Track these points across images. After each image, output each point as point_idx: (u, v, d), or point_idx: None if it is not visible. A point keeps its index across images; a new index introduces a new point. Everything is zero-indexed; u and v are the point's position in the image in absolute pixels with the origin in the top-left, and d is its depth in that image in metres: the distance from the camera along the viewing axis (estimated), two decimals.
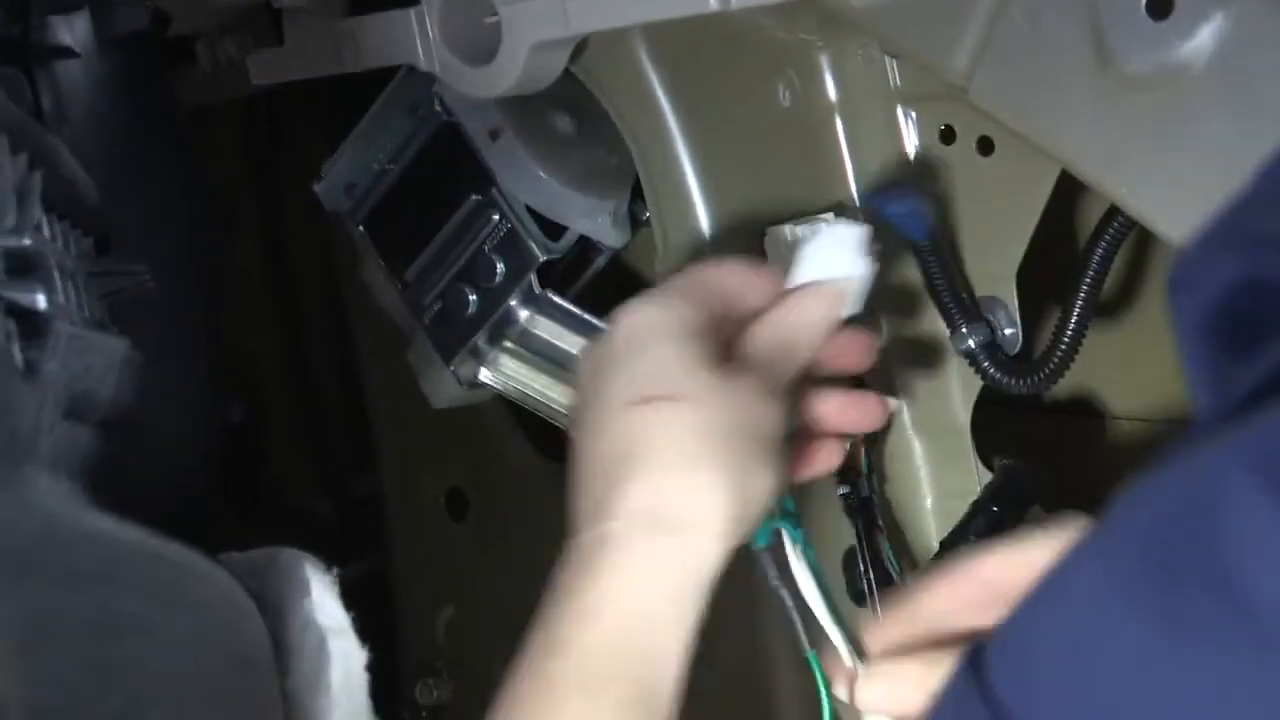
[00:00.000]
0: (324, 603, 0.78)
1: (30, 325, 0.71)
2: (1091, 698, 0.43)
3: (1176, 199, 0.75)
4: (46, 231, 0.80)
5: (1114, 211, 0.93)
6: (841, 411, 0.84)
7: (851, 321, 0.85)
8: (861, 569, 0.97)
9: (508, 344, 1.05)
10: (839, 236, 0.90)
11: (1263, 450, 0.38)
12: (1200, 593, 0.39)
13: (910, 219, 0.93)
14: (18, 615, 0.57)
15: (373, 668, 0.79)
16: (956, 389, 0.98)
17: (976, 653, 0.48)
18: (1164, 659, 0.40)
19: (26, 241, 0.73)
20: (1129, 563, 0.42)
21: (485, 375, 1.06)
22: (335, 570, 0.83)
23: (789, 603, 0.83)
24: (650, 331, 0.79)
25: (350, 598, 0.83)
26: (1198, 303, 0.44)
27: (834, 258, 0.87)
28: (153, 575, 0.69)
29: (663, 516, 0.76)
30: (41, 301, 0.72)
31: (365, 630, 0.81)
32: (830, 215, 0.96)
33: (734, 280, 0.82)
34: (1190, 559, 0.39)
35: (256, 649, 0.75)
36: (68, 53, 1.03)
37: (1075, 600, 0.45)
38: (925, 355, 0.98)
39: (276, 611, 0.77)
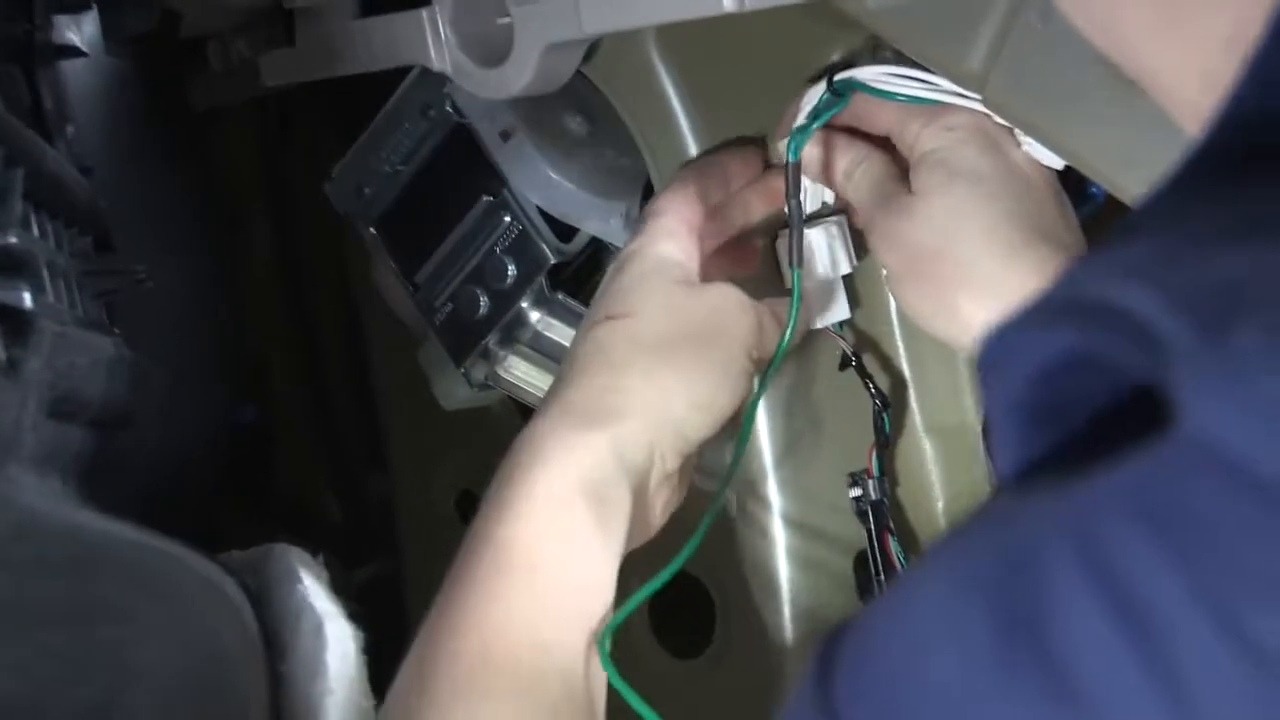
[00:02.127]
0: (315, 589, 0.78)
1: (14, 323, 0.70)
2: (908, 714, 0.44)
3: None
4: (35, 230, 0.79)
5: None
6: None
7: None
8: (873, 571, 0.97)
9: (519, 346, 1.05)
10: (827, 233, 0.91)
11: (1081, 520, 0.39)
12: (1023, 645, 0.39)
13: (1089, 204, 0.92)
14: None
15: (381, 669, 0.79)
16: (968, 391, 0.97)
17: (828, 652, 0.48)
18: (985, 699, 0.41)
19: (11, 240, 0.73)
20: (965, 598, 0.42)
21: (496, 377, 1.06)
22: (321, 558, 0.83)
23: (792, 217, 0.92)
24: (632, 259, 0.91)
25: (361, 599, 0.83)
26: (1010, 381, 0.43)
27: (821, 255, 0.90)
28: (129, 564, 0.70)
29: (582, 410, 0.84)
30: (26, 300, 0.72)
31: (376, 635, 0.81)
32: (842, 217, 0.96)
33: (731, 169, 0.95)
34: (1016, 610, 0.40)
35: (239, 640, 0.75)
36: (74, 52, 1.03)
37: (914, 621, 0.45)
38: (937, 356, 0.97)
39: (268, 602, 0.77)
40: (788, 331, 0.91)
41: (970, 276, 0.86)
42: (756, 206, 0.96)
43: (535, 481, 0.82)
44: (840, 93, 0.91)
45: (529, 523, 0.81)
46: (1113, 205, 0.90)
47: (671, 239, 0.91)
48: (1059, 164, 0.88)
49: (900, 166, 0.92)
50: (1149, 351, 0.39)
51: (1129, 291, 0.39)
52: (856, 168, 0.92)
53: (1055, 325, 0.42)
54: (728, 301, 0.90)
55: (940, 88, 0.88)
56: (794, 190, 0.91)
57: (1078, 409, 0.42)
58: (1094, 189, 0.92)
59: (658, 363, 0.86)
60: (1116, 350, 0.40)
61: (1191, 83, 0.49)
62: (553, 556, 0.80)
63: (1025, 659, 0.39)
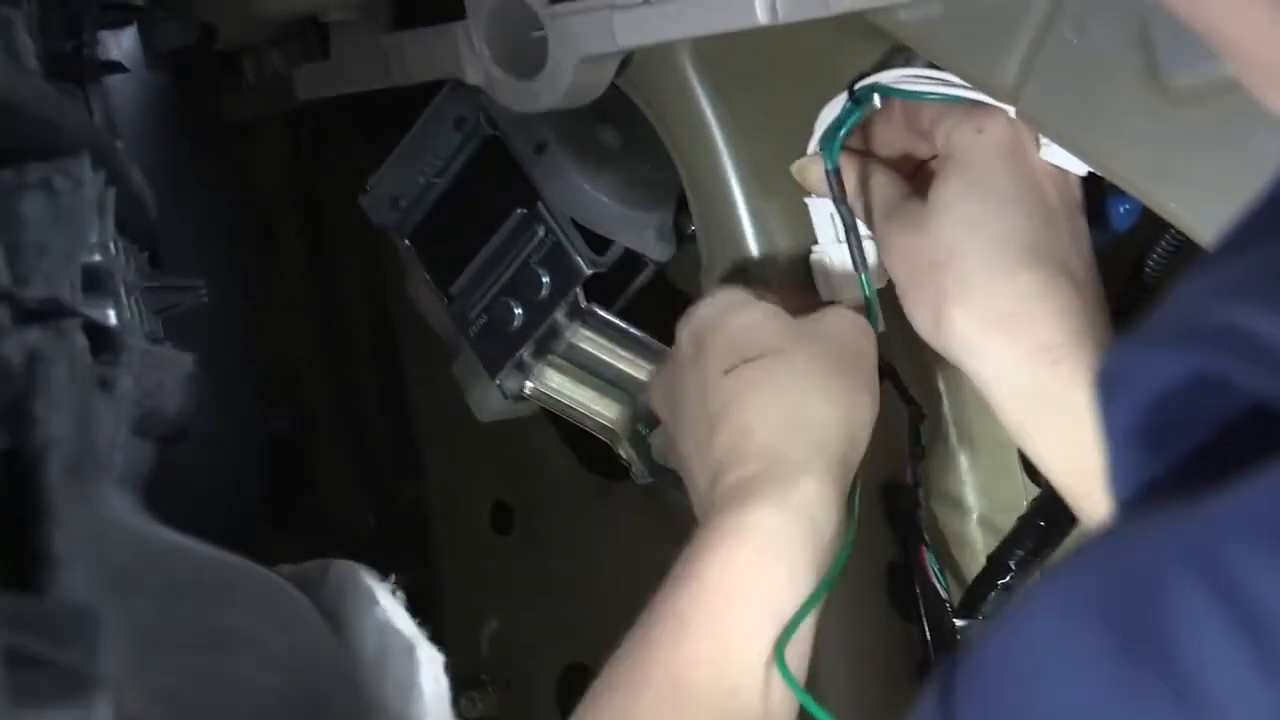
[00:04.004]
0: (396, 610, 0.78)
1: (102, 341, 0.71)
2: None
3: (1227, 214, 0.74)
4: (113, 248, 0.80)
5: (1165, 227, 0.92)
6: None
7: None
8: (907, 584, 0.97)
9: (553, 357, 1.05)
10: (868, 250, 0.92)
11: (1203, 539, 0.39)
12: (1148, 665, 0.39)
13: (1130, 215, 0.92)
14: (129, 632, 0.57)
15: None
16: None
17: (947, 683, 0.48)
18: (1108, 712, 0.41)
19: (98, 258, 0.73)
20: (1085, 621, 0.42)
21: (530, 389, 1.06)
22: (393, 578, 0.83)
23: (845, 223, 0.92)
24: (734, 299, 0.91)
25: None
26: (1130, 405, 0.43)
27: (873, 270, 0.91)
28: (251, 590, 0.69)
29: (772, 472, 0.83)
30: (112, 317, 0.72)
31: None
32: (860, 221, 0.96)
33: None
34: (1140, 631, 0.40)
35: (342, 662, 0.75)
36: (117, 67, 1.03)
37: (1032, 646, 0.45)
38: None
39: (342, 623, 0.77)
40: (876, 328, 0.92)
41: (966, 292, 0.86)
42: None
43: (720, 546, 0.82)
44: (860, 100, 0.92)
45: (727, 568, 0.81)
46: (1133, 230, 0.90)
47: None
48: (1081, 169, 0.88)
49: (905, 185, 0.93)
50: (1275, 372, 0.38)
51: (1253, 313, 0.39)
52: (865, 184, 0.92)
53: (1178, 346, 0.41)
54: (844, 320, 0.90)
55: (960, 84, 0.88)
56: (841, 196, 0.92)
57: (1196, 431, 0.42)
58: (1114, 218, 0.92)
59: (811, 399, 0.86)
60: (1241, 372, 0.39)
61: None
62: (746, 603, 0.81)
63: (1150, 679, 0.39)
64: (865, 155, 0.95)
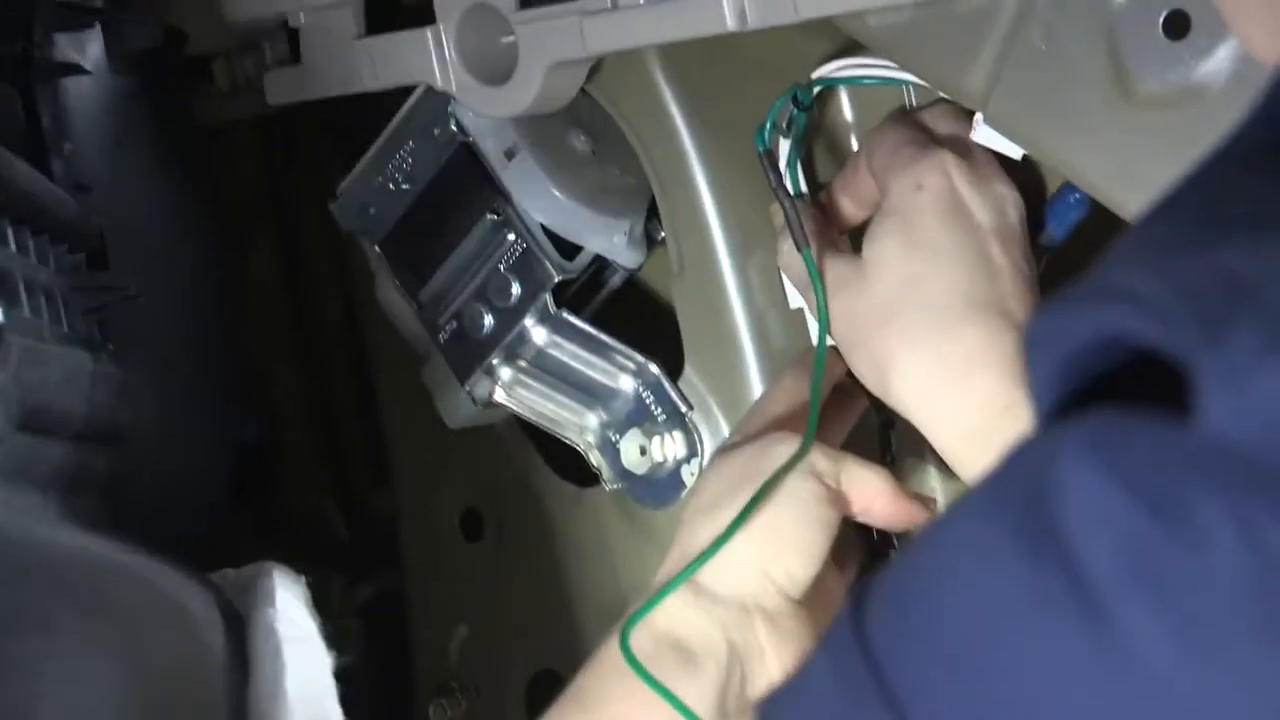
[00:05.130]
0: (287, 611, 0.78)
1: None
2: (943, 641, 0.46)
3: None
4: (13, 246, 0.79)
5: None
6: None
7: None
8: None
9: (523, 364, 1.05)
10: None
11: (1090, 436, 0.42)
12: (1041, 548, 0.42)
13: (1077, 208, 0.92)
14: None
15: (384, 686, 0.79)
16: None
17: (860, 592, 0.51)
18: (1012, 607, 0.43)
19: None
20: (988, 520, 0.45)
21: (500, 395, 1.06)
22: (305, 580, 0.83)
23: (785, 206, 0.91)
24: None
25: (364, 616, 0.83)
26: (1049, 360, 0.45)
27: None
28: (70, 579, 0.69)
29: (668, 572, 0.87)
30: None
31: (379, 651, 0.81)
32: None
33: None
34: (1032, 518, 0.43)
35: (198, 659, 0.74)
36: (75, 69, 1.03)
37: (939, 551, 0.48)
38: None
39: (246, 622, 0.77)
40: (821, 313, 0.91)
41: (911, 351, 0.86)
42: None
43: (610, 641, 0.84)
44: (803, 102, 0.93)
45: (608, 674, 0.83)
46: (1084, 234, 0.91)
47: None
48: (1017, 153, 0.88)
49: (842, 241, 0.93)
50: (1165, 331, 0.41)
51: (1138, 279, 0.42)
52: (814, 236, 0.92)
53: (1086, 307, 0.44)
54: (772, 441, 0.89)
55: (894, 67, 0.89)
56: (775, 179, 0.92)
57: (1105, 378, 0.45)
58: (1050, 233, 0.92)
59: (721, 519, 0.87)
60: (1138, 327, 0.42)
61: None
62: (628, 709, 0.83)
63: (1043, 562, 0.42)
64: (826, 204, 0.95)
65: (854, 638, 0.49)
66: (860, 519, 0.90)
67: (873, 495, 0.88)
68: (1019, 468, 0.46)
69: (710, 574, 0.85)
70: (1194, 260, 0.42)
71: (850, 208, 0.94)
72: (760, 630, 0.85)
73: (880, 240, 0.88)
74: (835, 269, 0.90)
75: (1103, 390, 0.44)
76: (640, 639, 0.83)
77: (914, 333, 0.86)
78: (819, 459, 0.87)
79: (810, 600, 0.87)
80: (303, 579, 0.82)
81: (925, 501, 0.90)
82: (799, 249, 0.90)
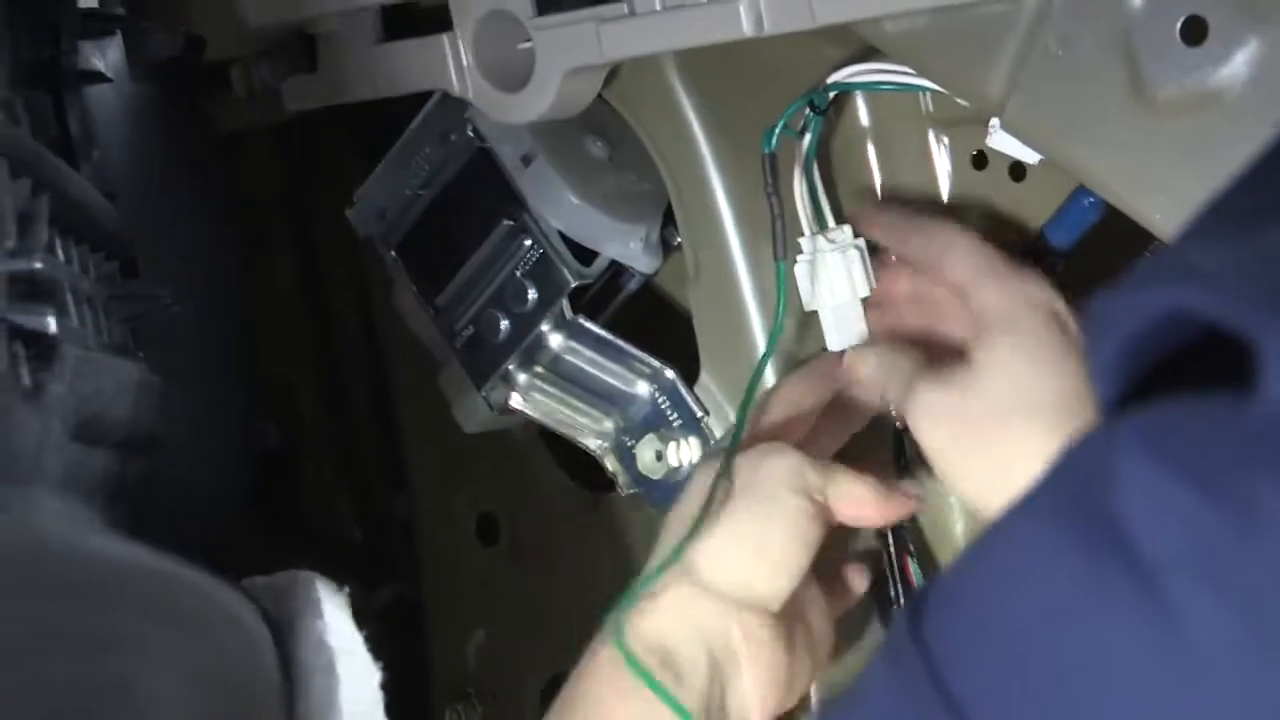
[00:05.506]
0: (335, 623, 0.78)
1: (39, 348, 0.70)
2: (1003, 640, 0.46)
3: None
4: (61, 255, 0.79)
5: (1149, 240, 0.92)
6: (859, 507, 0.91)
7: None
8: (892, 593, 0.97)
9: (539, 369, 1.05)
10: (846, 256, 0.92)
11: (1147, 424, 0.42)
12: (1100, 541, 0.42)
13: (1090, 212, 0.92)
14: (7, 630, 0.57)
15: (400, 691, 0.79)
16: None
17: (917, 601, 0.51)
18: (1072, 602, 0.44)
19: (36, 265, 0.73)
20: (1045, 517, 0.46)
21: (517, 400, 1.06)
22: (347, 590, 0.82)
23: (774, 210, 0.94)
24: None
25: (381, 622, 0.83)
26: (1110, 339, 0.45)
27: (840, 278, 0.91)
28: (148, 593, 0.69)
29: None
30: (51, 325, 0.72)
31: (396, 656, 0.81)
32: (861, 240, 0.95)
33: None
34: (1091, 511, 0.43)
35: (256, 673, 0.74)
36: (99, 77, 1.03)
37: (997, 550, 0.48)
38: None
39: (290, 633, 0.77)
40: (777, 320, 0.93)
41: (1027, 449, 0.85)
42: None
43: (604, 642, 0.87)
44: (816, 102, 0.93)
45: (592, 681, 0.86)
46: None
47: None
48: (1034, 158, 0.88)
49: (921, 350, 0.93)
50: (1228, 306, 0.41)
51: (1201, 257, 0.43)
52: (884, 356, 0.93)
53: (1149, 285, 0.44)
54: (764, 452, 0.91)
55: (911, 72, 0.89)
56: (771, 185, 0.93)
57: (1163, 358, 0.45)
58: (1063, 238, 0.93)
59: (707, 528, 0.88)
60: (1201, 303, 0.42)
61: None
62: (623, 710, 0.85)
63: (1102, 554, 0.42)
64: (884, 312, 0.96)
65: (912, 643, 0.49)
66: (851, 525, 0.92)
67: (859, 505, 0.90)
68: (1077, 462, 0.45)
69: (697, 586, 0.87)
70: (1257, 239, 0.43)
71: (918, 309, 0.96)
72: (738, 643, 0.87)
73: (989, 345, 0.88)
74: (937, 371, 0.90)
75: (1162, 382, 0.44)
76: (629, 648, 0.85)
77: (1034, 436, 0.85)
78: (809, 473, 0.89)
79: (783, 611, 0.89)
80: (345, 590, 0.82)
81: (911, 495, 0.92)
82: (775, 258, 0.93)
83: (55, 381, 0.70)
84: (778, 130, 0.92)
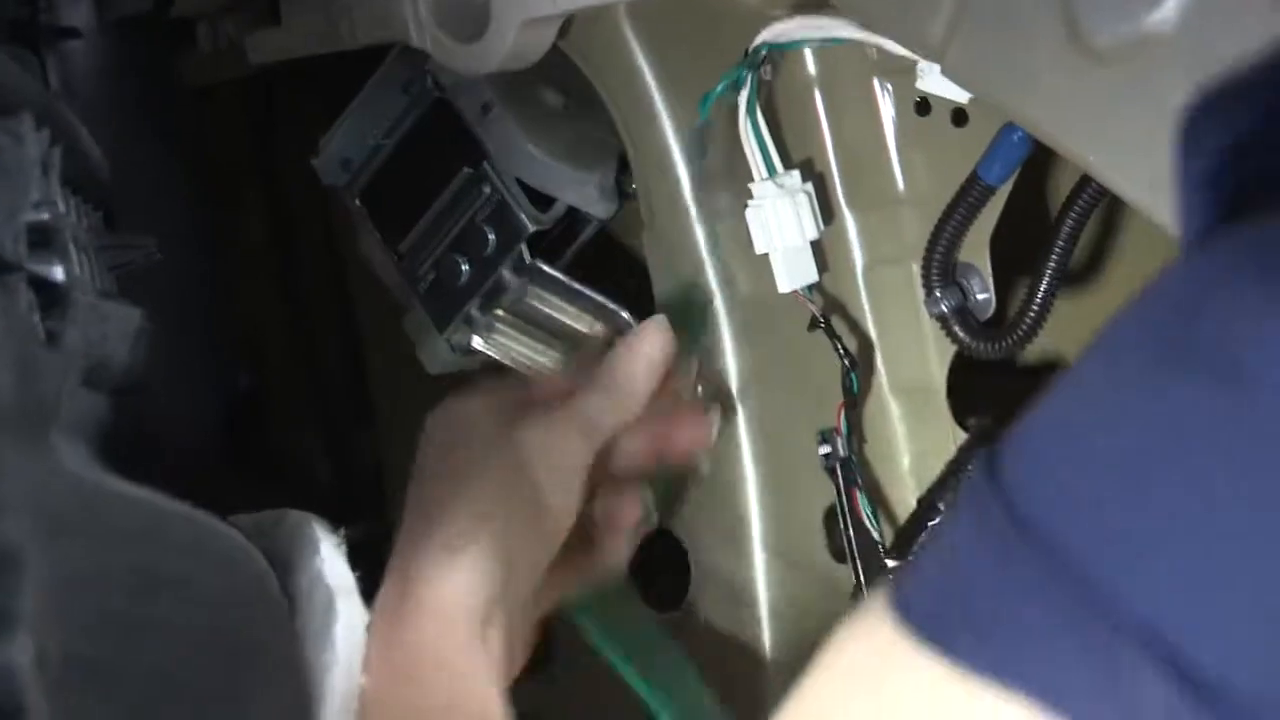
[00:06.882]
0: (333, 562, 0.77)
1: (50, 297, 0.70)
2: (1087, 465, 0.44)
3: (1144, 165, 0.74)
4: (62, 206, 0.79)
5: (1085, 180, 0.92)
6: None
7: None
8: (842, 527, 0.97)
9: (499, 312, 1.04)
10: (795, 200, 0.91)
11: (1239, 240, 0.40)
12: (1195, 366, 0.40)
13: (1019, 147, 0.91)
14: (55, 573, 0.56)
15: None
16: (932, 352, 0.97)
17: (993, 451, 0.48)
18: (1169, 423, 0.41)
19: (45, 215, 0.72)
20: (1128, 346, 0.43)
21: (478, 342, 1.05)
22: (342, 532, 0.82)
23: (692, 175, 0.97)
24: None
25: (350, 559, 0.83)
26: (1203, 153, 0.43)
27: (789, 222, 0.90)
28: (184, 535, 0.69)
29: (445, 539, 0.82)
30: (60, 273, 0.71)
31: (364, 592, 0.81)
32: (809, 185, 0.95)
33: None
34: (1183, 336, 0.41)
35: (278, 608, 0.74)
36: (74, 33, 1.02)
37: (1077, 387, 0.46)
38: (902, 319, 0.97)
39: (285, 568, 0.76)
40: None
41: None
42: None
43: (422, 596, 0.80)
44: (752, 62, 0.92)
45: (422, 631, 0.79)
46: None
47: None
48: (964, 98, 0.88)
49: None
50: None
51: None
52: None
53: (1246, 95, 0.43)
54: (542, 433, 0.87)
55: (834, 25, 0.88)
56: (698, 153, 0.95)
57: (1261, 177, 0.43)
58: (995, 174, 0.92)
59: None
60: None
61: None
62: (439, 670, 0.79)
63: (1197, 377, 0.40)
64: None
65: (993, 496, 0.46)
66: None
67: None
68: (1167, 293, 0.43)
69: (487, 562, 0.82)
70: None
71: None
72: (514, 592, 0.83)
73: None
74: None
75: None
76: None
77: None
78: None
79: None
80: (340, 531, 0.81)
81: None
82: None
83: (69, 329, 0.69)
84: (717, 91, 0.92)
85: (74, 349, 0.69)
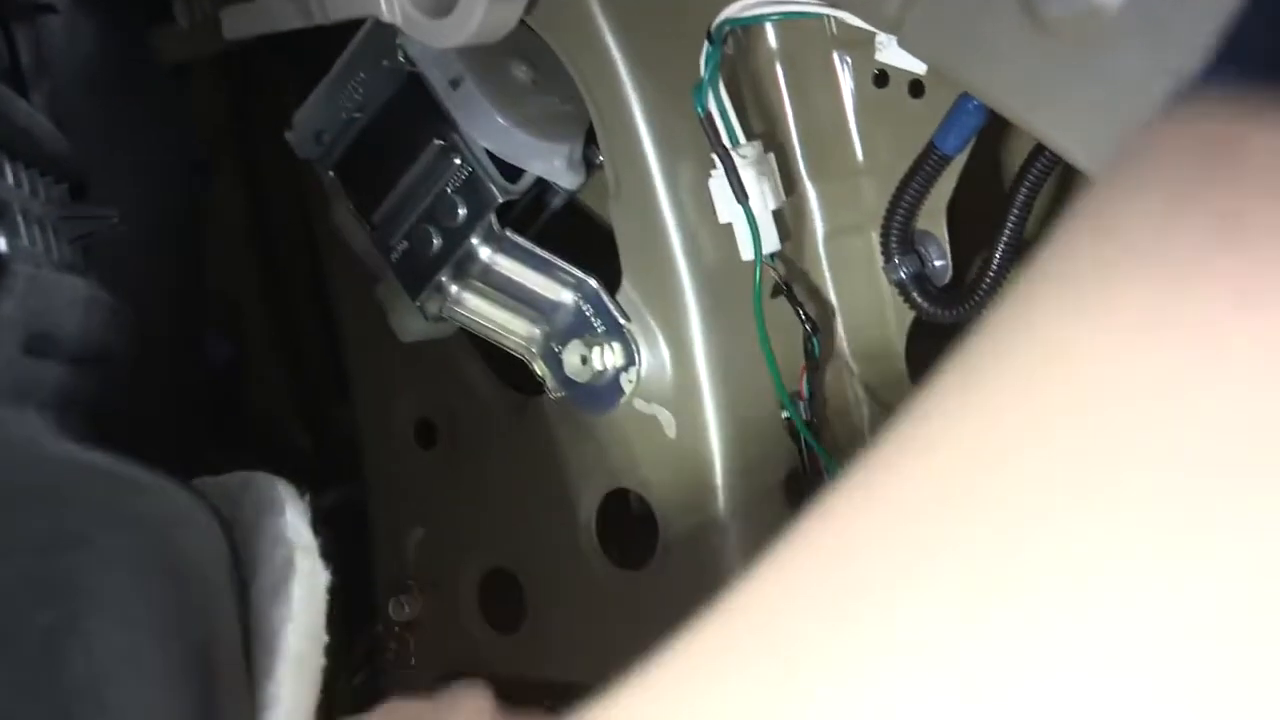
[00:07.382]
0: (295, 522, 0.77)
1: None
2: None
3: (1094, 133, 0.75)
4: (10, 178, 0.79)
5: (1039, 149, 0.93)
6: None
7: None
8: (804, 485, 0.98)
9: (470, 280, 1.05)
10: (761, 170, 0.92)
11: None
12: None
13: (975, 116, 0.92)
14: None
15: (348, 588, 0.79)
16: (891, 318, 0.98)
17: None
18: None
19: None
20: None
21: (449, 310, 1.06)
22: (307, 496, 0.82)
23: (724, 165, 0.95)
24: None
25: (327, 523, 0.83)
26: None
27: (754, 192, 0.90)
28: (95, 492, 0.69)
29: None
30: (1, 244, 0.71)
31: (342, 553, 0.81)
32: (770, 155, 0.96)
33: None
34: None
35: (212, 565, 0.74)
36: (47, 8, 1.02)
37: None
38: (862, 286, 0.97)
39: (248, 529, 0.76)
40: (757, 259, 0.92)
41: None
42: None
43: None
44: (716, 40, 0.93)
45: None
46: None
47: None
48: (921, 69, 0.88)
49: None
50: None
51: None
52: None
53: None
54: None
55: (803, 1, 0.89)
56: (715, 140, 0.94)
57: None
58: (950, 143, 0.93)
59: None
60: None
61: None
62: None
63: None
64: None
65: None
66: None
67: None
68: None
69: None
70: None
71: None
72: None
73: None
74: None
75: None
76: None
77: None
78: None
79: None
80: (305, 495, 0.81)
81: None
82: (738, 202, 0.94)
83: (6, 299, 0.70)
84: (705, 80, 0.92)
85: (12, 318, 0.70)
